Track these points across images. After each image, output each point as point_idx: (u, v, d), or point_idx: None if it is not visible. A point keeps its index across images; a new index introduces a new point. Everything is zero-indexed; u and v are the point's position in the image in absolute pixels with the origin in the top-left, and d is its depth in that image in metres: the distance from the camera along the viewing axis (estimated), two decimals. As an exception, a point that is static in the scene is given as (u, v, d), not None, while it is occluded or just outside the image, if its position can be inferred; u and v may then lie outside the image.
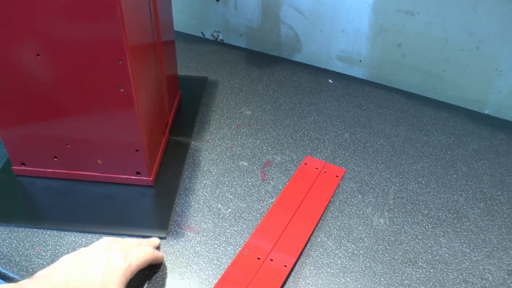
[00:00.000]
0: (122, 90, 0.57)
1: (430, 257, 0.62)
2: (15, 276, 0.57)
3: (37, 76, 0.57)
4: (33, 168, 0.68)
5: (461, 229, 0.66)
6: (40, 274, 0.46)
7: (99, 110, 0.60)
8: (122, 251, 0.51)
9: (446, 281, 0.59)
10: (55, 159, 0.66)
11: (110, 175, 0.68)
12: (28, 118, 0.62)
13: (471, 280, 0.59)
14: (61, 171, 0.68)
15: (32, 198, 0.67)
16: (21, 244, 0.60)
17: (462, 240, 0.64)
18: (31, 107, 0.60)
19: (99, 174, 0.68)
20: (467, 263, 0.61)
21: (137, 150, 0.64)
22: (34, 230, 0.62)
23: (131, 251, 0.52)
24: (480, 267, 0.61)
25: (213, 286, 0.55)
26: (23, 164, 0.68)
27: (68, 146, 0.64)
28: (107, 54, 0.54)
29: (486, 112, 0.89)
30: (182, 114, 0.83)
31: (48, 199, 0.66)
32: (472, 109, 0.88)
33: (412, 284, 0.59)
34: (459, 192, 0.71)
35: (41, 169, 0.68)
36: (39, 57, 0.55)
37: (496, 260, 0.62)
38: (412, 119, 0.85)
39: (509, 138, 0.82)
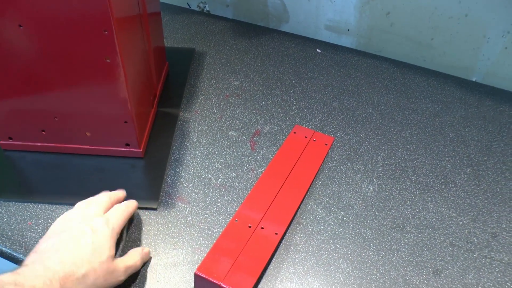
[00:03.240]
0: (108, 61, 0.56)
1: (418, 222, 0.63)
2: (7, 250, 0.57)
3: (20, 48, 0.56)
4: (21, 143, 0.67)
5: (448, 194, 0.67)
6: (32, 260, 0.47)
7: (86, 82, 0.59)
8: (101, 217, 0.53)
9: (433, 245, 0.60)
10: (43, 133, 0.66)
11: (99, 147, 0.67)
12: (13, 91, 0.61)
13: (457, 243, 0.61)
14: (50, 144, 0.67)
15: (22, 173, 0.66)
16: (12, 219, 0.60)
17: (449, 205, 0.65)
18: (16, 80, 0.60)
19: (88, 147, 0.67)
20: (453, 227, 0.63)
21: (125, 122, 0.63)
22: (25, 204, 0.62)
23: (109, 215, 0.54)
24: (466, 230, 0.62)
25: (205, 255, 0.55)
26: (10, 138, 0.67)
27: (56, 119, 0.64)
28: (92, 24, 0.53)
29: (474, 79, 0.89)
30: (170, 86, 0.82)
31: (37, 173, 0.66)
32: (460, 77, 0.89)
33: (400, 249, 0.60)
34: (447, 158, 0.72)
35: (29, 143, 0.67)
36: (21, 28, 0.54)
37: (481, 224, 0.63)
38: (401, 87, 0.85)
39: (496, 104, 0.83)
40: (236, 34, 0.96)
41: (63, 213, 0.60)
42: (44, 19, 0.53)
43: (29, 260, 0.47)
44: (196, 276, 0.52)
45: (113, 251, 0.51)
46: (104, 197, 0.57)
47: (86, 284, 0.47)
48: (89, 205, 0.55)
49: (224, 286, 0.51)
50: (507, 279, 0.57)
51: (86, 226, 0.51)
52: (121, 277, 0.51)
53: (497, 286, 0.56)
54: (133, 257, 0.53)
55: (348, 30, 0.94)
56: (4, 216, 0.61)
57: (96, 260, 0.48)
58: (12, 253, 0.57)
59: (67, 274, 0.45)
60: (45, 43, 0.55)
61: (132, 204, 0.58)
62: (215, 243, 0.56)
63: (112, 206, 0.57)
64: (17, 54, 0.57)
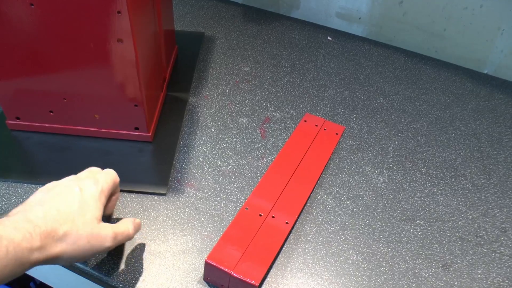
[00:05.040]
0: (121, 43, 0.55)
1: (427, 215, 0.63)
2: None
3: (31, 27, 0.55)
4: (28, 123, 0.66)
5: (458, 187, 0.66)
6: (15, 211, 0.45)
7: (97, 64, 0.58)
8: (91, 178, 0.50)
9: (442, 238, 0.60)
10: (51, 114, 0.65)
11: (107, 130, 0.66)
12: (22, 71, 0.60)
13: (466, 237, 0.61)
14: (58, 126, 0.66)
15: (29, 154, 0.66)
16: (20, 200, 0.60)
17: (459, 198, 0.65)
18: (25, 60, 0.58)
19: (96, 129, 0.66)
20: (463, 221, 0.62)
21: (135, 105, 0.62)
22: (33, 185, 0.62)
23: (99, 176, 0.51)
24: (476, 224, 0.62)
25: (215, 242, 0.55)
26: (18, 118, 0.66)
27: (65, 100, 0.63)
28: (105, 5, 0.52)
29: (486, 71, 0.88)
30: (179, 70, 0.81)
31: (45, 154, 0.65)
32: (471, 69, 0.88)
33: (410, 241, 0.59)
34: (457, 151, 0.72)
35: (36, 124, 0.66)
36: (32, 6, 0.53)
37: (490, 218, 0.63)
38: (412, 77, 0.84)
39: (508, 97, 0.82)
40: (246, 19, 0.95)
41: (71, 196, 0.60)
42: (56, -2, 0.52)
43: (14, 211, 0.45)
44: (207, 264, 0.52)
45: (99, 213, 0.48)
46: (96, 167, 0.55)
47: (67, 243, 0.44)
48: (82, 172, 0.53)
49: (234, 275, 0.50)
50: (516, 275, 0.57)
51: (74, 185, 0.49)
52: (108, 243, 0.47)
53: (507, 281, 0.56)
54: (124, 224, 0.51)
55: (360, 18, 0.93)
56: (12, 197, 0.60)
57: (80, 219, 0.46)
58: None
59: (48, 230, 0.43)
60: (56, 23, 0.54)
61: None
62: (226, 231, 0.55)
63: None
64: (28, 33, 0.56)
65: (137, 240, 0.57)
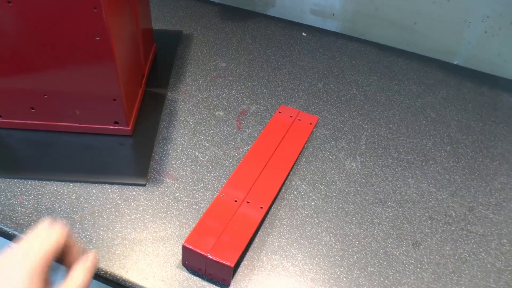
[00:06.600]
0: (97, 38, 0.57)
1: (399, 197, 0.65)
2: (-2, 224, 0.58)
3: (9, 24, 0.57)
4: (9, 120, 0.68)
5: (428, 170, 0.69)
6: None
7: (76, 60, 0.60)
8: (21, 252, 0.41)
9: (413, 218, 0.63)
10: (32, 111, 0.66)
11: (88, 125, 0.68)
12: (1, 69, 0.61)
13: (436, 217, 0.63)
14: (39, 122, 0.68)
15: (11, 150, 0.67)
16: (2, 194, 0.61)
17: (429, 181, 0.68)
18: (4, 58, 0.60)
19: (77, 125, 0.68)
20: (433, 202, 0.65)
21: (114, 99, 0.64)
22: (15, 180, 0.63)
23: (35, 244, 0.42)
24: (445, 205, 0.65)
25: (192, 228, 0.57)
26: (-1, 116, 0.68)
27: (45, 96, 0.64)
28: (81, 1, 0.54)
29: (455, 62, 0.91)
30: (157, 67, 0.83)
31: (27, 150, 0.67)
32: (442, 60, 0.91)
33: (381, 222, 0.62)
34: (428, 137, 0.74)
35: (18, 121, 0.68)
36: (10, 4, 0.55)
37: (459, 198, 0.66)
38: (384, 69, 0.87)
39: (476, 86, 0.85)
40: (223, 18, 0.97)
41: (52, 189, 0.62)
42: (33, -4, 0.54)
43: None
44: (184, 248, 0.54)
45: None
46: (44, 224, 0.44)
47: None
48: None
49: (211, 257, 0.52)
50: (481, 250, 0.59)
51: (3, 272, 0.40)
52: None
53: (473, 256, 0.59)
54: (74, 276, 0.43)
55: (334, 15, 0.96)
56: (-6, 192, 0.62)
57: None
58: (3, 228, 0.58)
59: None
60: (34, 20, 0.56)
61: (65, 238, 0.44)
62: (203, 216, 0.57)
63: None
64: (6, 31, 0.57)
65: (118, 228, 0.58)
